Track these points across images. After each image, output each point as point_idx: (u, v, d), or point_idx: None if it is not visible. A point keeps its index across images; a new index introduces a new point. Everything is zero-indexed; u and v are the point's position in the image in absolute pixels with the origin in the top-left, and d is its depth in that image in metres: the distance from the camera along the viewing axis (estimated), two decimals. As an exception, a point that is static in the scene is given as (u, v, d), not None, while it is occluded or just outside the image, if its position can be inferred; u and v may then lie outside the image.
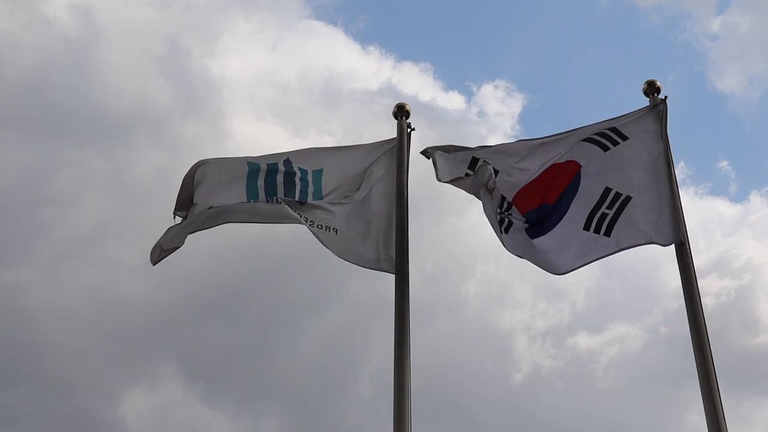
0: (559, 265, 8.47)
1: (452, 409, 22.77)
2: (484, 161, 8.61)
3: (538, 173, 8.73)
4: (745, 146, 35.39)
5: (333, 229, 8.67)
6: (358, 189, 8.99)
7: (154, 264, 8.63)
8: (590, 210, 8.51)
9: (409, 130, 9.13)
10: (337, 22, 37.39)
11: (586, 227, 8.47)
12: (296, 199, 8.86)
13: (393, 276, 8.43)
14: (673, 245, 8.17)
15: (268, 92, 32.57)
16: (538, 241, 8.50)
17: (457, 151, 8.82)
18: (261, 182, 9.00)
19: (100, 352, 23.94)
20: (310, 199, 8.86)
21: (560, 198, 8.60)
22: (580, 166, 8.60)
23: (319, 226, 8.66)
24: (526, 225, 8.55)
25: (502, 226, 8.40)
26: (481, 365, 24.53)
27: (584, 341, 26.48)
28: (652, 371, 25.28)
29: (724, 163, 33.86)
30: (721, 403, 7.13)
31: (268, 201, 8.83)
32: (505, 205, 8.55)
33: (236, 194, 8.89)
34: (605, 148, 8.59)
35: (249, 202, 8.82)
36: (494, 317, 26.61)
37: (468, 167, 8.72)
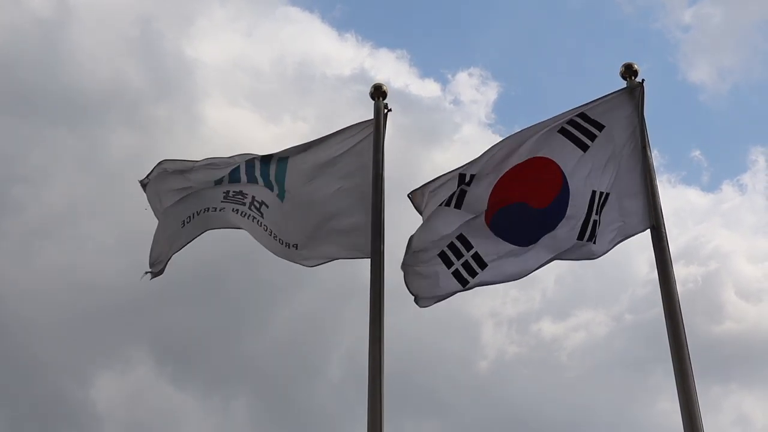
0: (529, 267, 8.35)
1: (422, 392, 22.88)
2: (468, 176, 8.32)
3: (513, 165, 8.35)
4: (717, 137, 35.79)
5: (293, 245, 8.98)
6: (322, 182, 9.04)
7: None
8: (584, 219, 8.21)
9: (385, 111, 9.06)
10: (314, 9, 37.31)
11: (580, 237, 8.19)
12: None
13: (365, 260, 8.42)
14: (648, 229, 8.15)
15: (242, 78, 32.44)
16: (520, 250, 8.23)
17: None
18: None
19: (71, 334, 23.79)
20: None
21: (551, 206, 8.26)
22: (562, 171, 8.28)
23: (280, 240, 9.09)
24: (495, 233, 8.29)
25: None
26: (451, 350, 24.63)
27: (548, 328, 26.65)
28: (618, 358, 25.52)
29: (697, 153, 34.23)
30: (695, 386, 7.10)
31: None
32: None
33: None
34: (584, 147, 8.28)
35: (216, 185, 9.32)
36: (466, 303, 26.69)
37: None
